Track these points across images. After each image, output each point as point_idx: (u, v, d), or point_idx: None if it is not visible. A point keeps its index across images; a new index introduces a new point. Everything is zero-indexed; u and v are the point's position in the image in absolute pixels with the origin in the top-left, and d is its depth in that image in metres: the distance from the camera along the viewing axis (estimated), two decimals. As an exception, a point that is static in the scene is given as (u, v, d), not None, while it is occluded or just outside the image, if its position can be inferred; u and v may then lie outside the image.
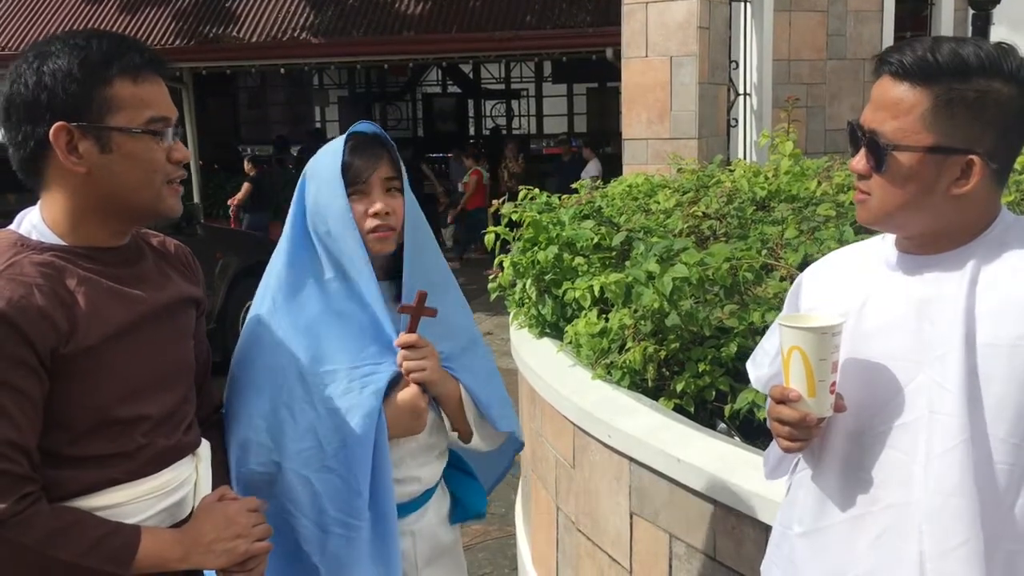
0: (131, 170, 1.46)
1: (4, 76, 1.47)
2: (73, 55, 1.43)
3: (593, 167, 13.04)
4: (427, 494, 1.95)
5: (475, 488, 2.10)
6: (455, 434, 1.95)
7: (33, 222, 1.48)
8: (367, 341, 1.82)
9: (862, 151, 1.39)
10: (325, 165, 1.84)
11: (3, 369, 1.32)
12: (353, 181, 1.81)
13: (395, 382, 1.82)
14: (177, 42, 13.63)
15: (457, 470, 2.09)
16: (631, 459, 2.50)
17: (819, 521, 1.48)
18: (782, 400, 1.44)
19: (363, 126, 1.89)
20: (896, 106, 1.34)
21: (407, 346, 1.81)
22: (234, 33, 13.96)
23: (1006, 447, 1.30)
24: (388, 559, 1.78)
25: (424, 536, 1.94)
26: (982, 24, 6.55)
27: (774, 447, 1.61)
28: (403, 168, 1.87)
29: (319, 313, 1.83)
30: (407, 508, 1.90)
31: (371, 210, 1.81)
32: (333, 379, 1.78)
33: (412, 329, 1.81)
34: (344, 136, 1.86)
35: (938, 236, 1.39)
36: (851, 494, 1.44)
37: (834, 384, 1.41)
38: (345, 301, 1.83)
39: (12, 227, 1.49)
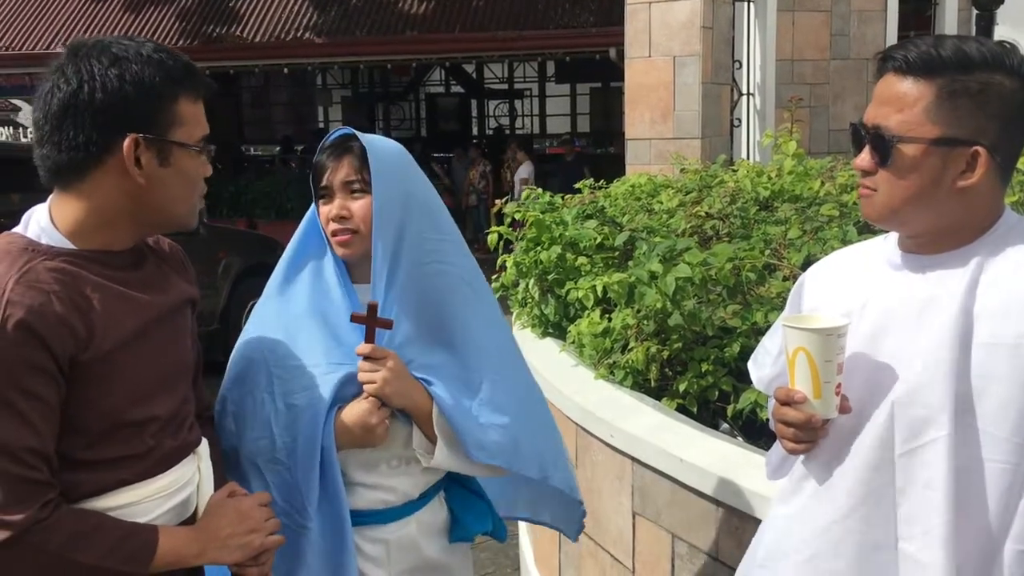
0: (181, 185, 1.49)
1: (46, 75, 1.43)
2: (152, 67, 1.43)
3: (524, 169, 13.05)
4: (410, 506, 1.87)
5: (479, 508, 2.00)
6: (420, 449, 1.82)
7: (41, 224, 1.45)
8: (337, 343, 1.80)
9: (866, 148, 1.39)
10: None
11: (23, 376, 1.32)
12: (320, 184, 1.83)
13: (359, 392, 1.78)
14: (180, 42, 13.65)
15: (463, 488, 2.00)
16: (633, 459, 2.50)
17: (794, 501, 1.51)
18: (787, 402, 1.43)
19: (343, 129, 1.89)
20: (901, 100, 1.35)
21: (365, 356, 1.76)
22: (237, 33, 13.99)
23: (1009, 446, 1.30)
24: (341, 564, 1.74)
25: (401, 547, 1.86)
26: (986, 24, 6.54)
27: (777, 448, 1.61)
28: (376, 169, 1.78)
29: (305, 309, 1.83)
30: (381, 516, 1.84)
31: (330, 214, 1.81)
32: (297, 375, 1.78)
33: (369, 339, 1.75)
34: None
35: (942, 234, 1.39)
36: (834, 483, 1.44)
37: (839, 385, 1.40)
38: (338, 301, 1.82)
39: (19, 230, 1.47)
